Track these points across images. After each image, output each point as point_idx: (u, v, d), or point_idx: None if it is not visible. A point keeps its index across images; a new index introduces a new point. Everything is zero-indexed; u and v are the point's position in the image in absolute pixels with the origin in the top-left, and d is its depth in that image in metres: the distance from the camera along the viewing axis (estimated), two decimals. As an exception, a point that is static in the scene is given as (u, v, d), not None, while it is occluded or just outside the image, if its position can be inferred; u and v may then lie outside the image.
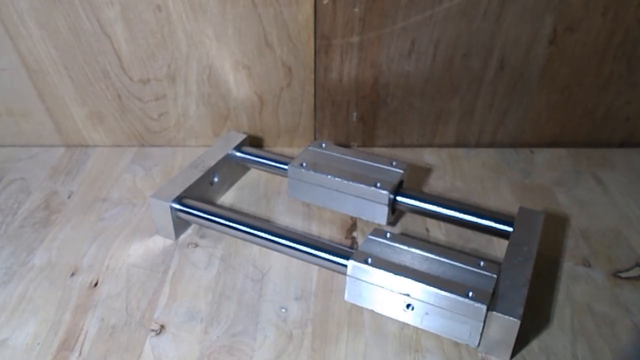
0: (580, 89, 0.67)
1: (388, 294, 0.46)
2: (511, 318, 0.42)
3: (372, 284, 0.46)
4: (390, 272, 0.45)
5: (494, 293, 0.43)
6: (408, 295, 0.45)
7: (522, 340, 0.46)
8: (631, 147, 0.72)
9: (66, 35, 0.63)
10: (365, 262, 0.45)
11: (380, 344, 0.46)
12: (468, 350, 0.46)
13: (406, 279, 0.44)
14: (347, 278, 0.47)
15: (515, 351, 0.45)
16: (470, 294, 0.43)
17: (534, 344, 0.46)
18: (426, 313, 0.45)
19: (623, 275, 0.53)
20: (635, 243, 0.57)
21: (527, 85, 0.67)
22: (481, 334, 0.43)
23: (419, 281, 0.44)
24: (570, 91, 0.67)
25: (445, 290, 0.43)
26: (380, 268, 0.45)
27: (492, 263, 0.46)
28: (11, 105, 0.69)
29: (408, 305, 0.45)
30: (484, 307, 0.42)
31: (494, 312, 0.42)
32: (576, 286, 0.52)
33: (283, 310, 0.49)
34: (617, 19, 0.62)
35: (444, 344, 0.46)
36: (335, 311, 0.49)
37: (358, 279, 0.46)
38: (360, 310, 0.49)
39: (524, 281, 0.45)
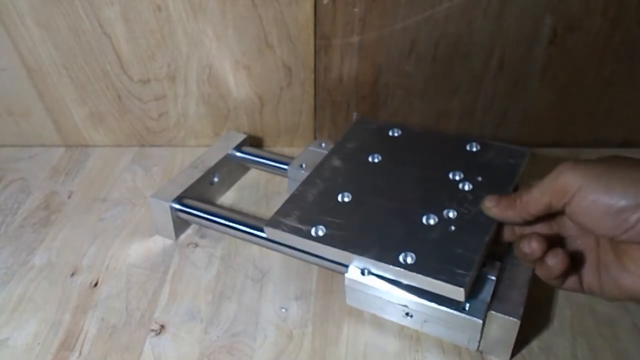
0: (580, 89, 0.67)
1: (387, 303, 0.46)
2: (511, 318, 0.42)
3: (370, 294, 0.46)
4: (388, 282, 0.45)
5: (493, 294, 0.43)
6: (406, 306, 0.45)
7: (522, 340, 0.46)
8: (631, 147, 0.72)
9: (66, 35, 0.63)
10: (362, 274, 0.46)
11: (380, 344, 0.46)
12: (468, 350, 0.46)
13: (403, 291, 0.45)
14: (346, 287, 0.47)
15: (515, 351, 0.45)
16: (467, 306, 0.43)
17: (534, 344, 0.46)
18: (425, 321, 0.45)
19: (623, 275, 0.53)
20: (635, 243, 0.57)
21: (527, 85, 0.67)
22: (480, 339, 0.44)
23: (415, 294, 0.44)
24: (570, 91, 0.67)
25: (441, 305, 0.43)
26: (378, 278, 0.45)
27: (492, 262, 0.46)
28: (11, 105, 0.69)
29: (407, 314, 0.46)
30: (479, 322, 0.42)
31: (493, 312, 0.42)
32: (576, 286, 0.52)
33: (283, 310, 0.49)
34: (617, 19, 0.62)
35: (444, 344, 0.46)
36: (335, 311, 0.49)
37: (356, 288, 0.47)
38: (360, 310, 0.49)
39: (524, 281, 0.45)
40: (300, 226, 0.47)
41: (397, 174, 0.52)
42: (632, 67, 0.66)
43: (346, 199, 0.49)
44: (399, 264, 0.42)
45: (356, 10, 0.61)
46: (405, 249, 0.43)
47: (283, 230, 0.47)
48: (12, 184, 0.66)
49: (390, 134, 0.57)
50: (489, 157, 0.52)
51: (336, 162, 0.54)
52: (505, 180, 0.50)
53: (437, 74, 0.66)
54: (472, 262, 0.42)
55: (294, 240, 0.46)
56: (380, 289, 0.45)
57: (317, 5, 0.60)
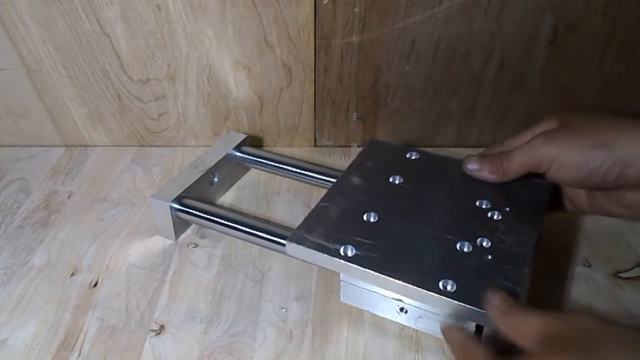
0: (580, 89, 0.67)
1: (382, 298, 0.46)
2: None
3: (365, 289, 0.46)
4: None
5: None
6: (401, 300, 0.46)
7: (522, 340, 0.46)
8: (631, 147, 0.72)
9: (66, 35, 0.63)
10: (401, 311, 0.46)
11: (380, 344, 0.46)
12: (468, 350, 0.46)
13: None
14: (341, 283, 0.47)
15: (515, 351, 0.45)
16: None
17: (534, 344, 0.46)
18: (419, 317, 0.46)
19: (623, 275, 0.53)
20: (635, 243, 0.57)
21: (527, 85, 0.67)
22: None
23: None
24: (570, 91, 0.67)
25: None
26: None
27: None
28: (11, 105, 0.69)
29: (402, 309, 0.46)
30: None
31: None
32: (576, 286, 0.52)
33: (283, 310, 0.49)
34: (617, 19, 0.62)
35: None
36: (335, 311, 0.49)
37: (351, 284, 0.47)
38: (360, 310, 0.49)
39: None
40: (327, 244, 0.44)
41: (422, 197, 0.50)
42: (632, 67, 0.65)
43: (372, 219, 0.47)
44: (439, 291, 0.40)
45: (356, 10, 0.61)
46: (444, 276, 0.41)
47: (308, 247, 0.44)
48: (12, 184, 0.66)
49: (408, 156, 0.56)
50: (514, 188, 0.50)
51: (356, 180, 0.52)
52: (534, 212, 0.48)
53: (437, 74, 0.66)
54: (516, 294, 0.40)
55: (320, 259, 0.44)
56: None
57: (317, 5, 0.60)
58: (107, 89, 0.67)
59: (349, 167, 0.54)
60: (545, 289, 0.51)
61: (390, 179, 0.52)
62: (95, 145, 0.73)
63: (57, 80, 0.66)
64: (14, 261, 0.55)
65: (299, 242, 0.45)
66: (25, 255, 0.55)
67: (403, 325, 0.47)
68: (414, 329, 0.47)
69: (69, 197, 0.63)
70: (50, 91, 0.67)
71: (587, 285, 0.52)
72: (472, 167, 0.50)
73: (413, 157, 0.56)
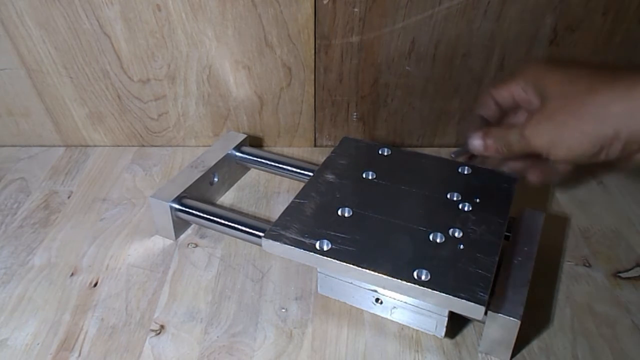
0: (580, 89, 0.67)
1: (357, 289, 0.47)
2: (511, 318, 0.42)
3: (342, 281, 0.47)
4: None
5: (493, 294, 0.44)
6: (376, 290, 0.47)
7: (522, 341, 0.46)
8: (631, 147, 0.72)
9: (66, 35, 0.63)
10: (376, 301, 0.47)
11: (380, 344, 0.46)
12: (468, 350, 0.46)
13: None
14: (318, 275, 0.48)
15: (515, 351, 0.45)
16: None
17: (534, 344, 0.46)
18: (394, 307, 0.47)
19: (623, 275, 0.53)
20: (635, 243, 0.57)
21: (527, 85, 0.67)
22: (446, 326, 0.45)
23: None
24: (570, 91, 0.67)
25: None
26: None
27: None
28: (11, 105, 0.69)
29: (377, 299, 0.47)
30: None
31: (493, 312, 0.42)
32: (576, 286, 0.52)
33: (283, 310, 0.49)
34: (617, 19, 0.62)
35: (444, 344, 0.46)
36: (335, 311, 0.49)
37: (328, 275, 0.48)
38: (360, 310, 0.49)
39: (524, 281, 0.45)
40: (303, 239, 0.45)
41: (394, 191, 0.52)
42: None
43: (347, 214, 0.48)
44: (414, 281, 0.42)
45: (356, 10, 0.61)
46: (418, 266, 0.43)
47: (285, 243, 0.45)
48: (12, 184, 0.66)
49: (380, 152, 0.57)
50: (482, 180, 0.53)
51: (330, 177, 0.53)
52: (502, 203, 0.50)
53: (437, 74, 0.66)
54: (488, 280, 0.42)
55: (297, 254, 0.45)
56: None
57: (317, 5, 0.60)
58: (107, 89, 0.67)
59: (322, 164, 0.56)
60: (545, 289, 0.51)
61: (363, 175, 0.54)
62: (95, 145, 0.73)
63: (57, 80, 0.66)
64: (14, 261, 0.55)
65: (275, 239, 0.46)
66: (25, 255, 0.55)
67: (398, 323, 0.48)
68: (413, 329, 0.47)
69: (69, 197, 0.63)
70: (50, 91, 0.67)
71: (587, 285, 0.52)
72: (477, 144, 0.46)
73: (385, 153, 0.57)
